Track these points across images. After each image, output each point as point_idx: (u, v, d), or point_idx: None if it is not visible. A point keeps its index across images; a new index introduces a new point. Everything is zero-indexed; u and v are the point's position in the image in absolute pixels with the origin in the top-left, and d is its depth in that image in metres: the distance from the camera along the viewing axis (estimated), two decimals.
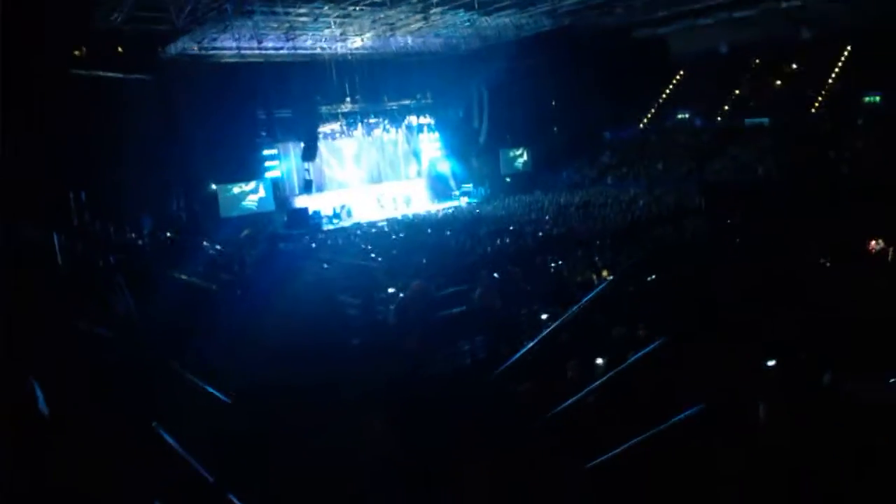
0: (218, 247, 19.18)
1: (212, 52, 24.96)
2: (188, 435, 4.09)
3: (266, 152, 29.06)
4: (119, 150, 21.43)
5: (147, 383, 5.14)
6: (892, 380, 5.69)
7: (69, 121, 19.22)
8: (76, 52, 21.63)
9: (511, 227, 21.08)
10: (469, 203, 32.00)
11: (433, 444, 4.48)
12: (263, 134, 29.01)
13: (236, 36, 23.74)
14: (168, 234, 21.14)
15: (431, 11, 22.92)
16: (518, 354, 5.53)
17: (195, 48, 24.07)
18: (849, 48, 30.84)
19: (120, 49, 22.64)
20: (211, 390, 4.65)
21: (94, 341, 6.28)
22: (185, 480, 3.75)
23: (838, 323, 7.49)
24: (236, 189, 27.89)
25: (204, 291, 7.49)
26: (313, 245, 21.51)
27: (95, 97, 21.49)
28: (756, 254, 12.07)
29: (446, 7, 23.19)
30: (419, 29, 25.85)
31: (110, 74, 22.20)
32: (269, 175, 29.08)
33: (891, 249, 12.02)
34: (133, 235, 20.37)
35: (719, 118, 33.27)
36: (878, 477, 4.05)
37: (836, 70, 30.85)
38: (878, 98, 27.90)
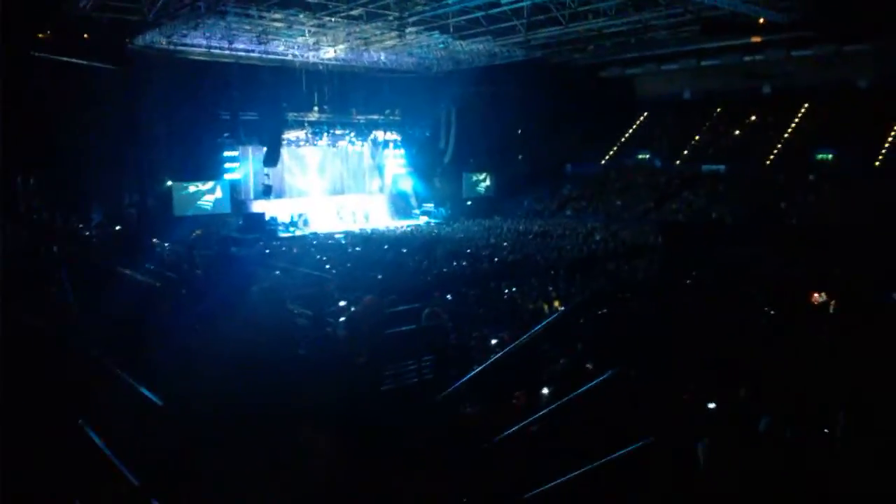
0: (167, 245, 18.77)
1: (181, 47, 24.55)
2: (117, 436, 3.93)
3: (227, 153, 28.58)
4: (75, 138, 20.86)
5: (79, 379, 4.94)
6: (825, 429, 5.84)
7: (26, 103, 18.69)
8: (40, 35, 21.08)
9: (469, 250, 21.15)
10: (428, 223, 32.02)
11: (375, 462, 4.40)
12: (226, 135, 28.54)
13: (207, 34, 23.44)
14: (117, 228, 20.60)
15: (407, 30, 23.01)
16: (465, 378, 5.49)
17: (164, 42, 23.64)
18: (806, 105, 32.06)
19: (86, 36, 22.13)
20: (144, 391, 4.49)
21: (30, 332, 6.04)
22: (108, 481, 3.59)
23: (779, 371, 7.67)
24: (192, 188, 27.32)
25: (148, 289, 7.27)
26: (267, 251, 21.20)
27: (57, 82, 20.96)
28: (705, 296, 12.31)
29: (422, 28, 23.33)
30: (393, 46, 25.92)
31: (74, 60, 21.66)
32: (227, 177, 28.58)
33: (832, 303, 12.41)
34: (81, 226, 19.80)
35: (678, 161, 34.14)
36: None
37: (793, 125, 32.01)
38: (830, 156, 29.00)
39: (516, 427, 4.96)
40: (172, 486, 3.63)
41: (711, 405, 6.62)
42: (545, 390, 6.95)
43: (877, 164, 27.58)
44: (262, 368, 5.89)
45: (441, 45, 26.37)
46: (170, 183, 26.68)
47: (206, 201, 27.63)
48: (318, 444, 4.53)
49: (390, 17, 21.69)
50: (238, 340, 6.47)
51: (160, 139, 24.51)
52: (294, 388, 5.58)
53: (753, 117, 33.75)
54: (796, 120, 32.16)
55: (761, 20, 23.77)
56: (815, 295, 12.73)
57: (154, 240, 20.75)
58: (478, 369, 5.86)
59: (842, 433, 5.82)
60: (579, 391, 5.32)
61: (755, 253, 16.22)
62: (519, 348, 7.47)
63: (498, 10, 21.59)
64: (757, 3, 20.75)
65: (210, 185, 27.80)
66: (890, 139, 28.15)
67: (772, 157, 31.08)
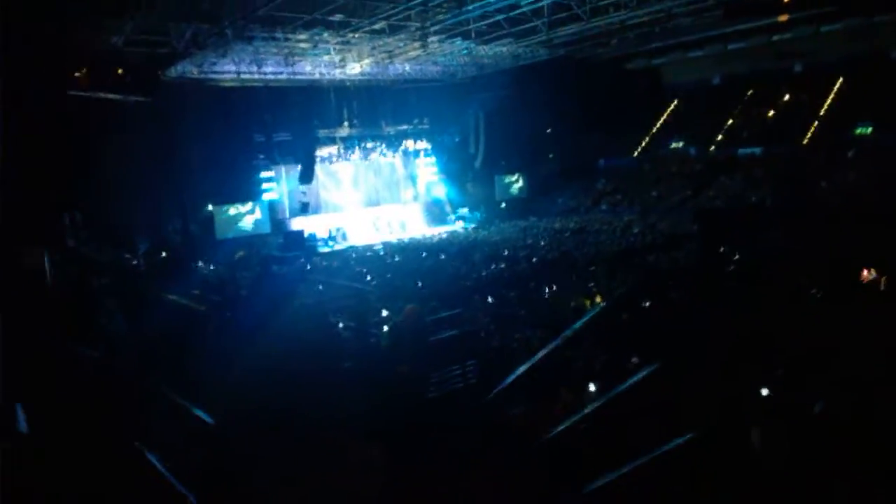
0: (212, 267, 19.16)
1: (212, 75, 25.14)
2: (172, 456, 4.05)
3: (263, 174, 29.12)
4: (116, 171, 21.47)
5: (133, 403, 5.10)
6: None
7: (67, 141, 19.31)
8: (76, 74, 21.78)
9: (506, 252, 21.12)
10: (464, 228, 32.07)
11: (426, 469, 4.44)
12: (261, 156, 29.13)
13: (236, 60, 23.96)
14: (163, 255, 21.12)
15: (430, 40, 23.14)
16: (509, 379, 5.52)
17: (195, 72, 24.24)
18: (840, 79, 31.26)
19: (120, 71, 22.79)
20: (196, 411, 4.61)
21: (82, 362, 6.24)
22: (167, 501, 3.71)
23: (831, 352, 7.50)
24: (232, 210, 27.92)
25: (195, 313, 7.47)
26: (308, 267, 21.49)
27: (94, 118, 21.61)
28: (749, 282, 12.09)
29: (444, 36, 23.44)
30: (417, 56, 26.09)
31: (110, 96, 22.33)
32: (265, 197, 29.12)
33: (883, 279, 12.07)
34: (128, 256, 20.35)
35: (712, 147, 33.56)
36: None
37: (828, 101, 31.24)
38: (869, 129, 28.20)
39: (565, 424, 4.96)
40: (228, 501, 3.73)
41: (764, 391, 6.52)
42: (591, 387, 6.92)
43: None
44: (308, 383, 6.00)
45: (464, 52, 26.45)
46: (210, 207, 27.30)
47: (247, 223, 28.21)
48: (368, 456, 4.60)
49: (412, 28, 21.86)
50: (283, 356, 6.60)
51: (198, 165, 25.11)
52: (341, 400, 5.67)
53: (787, 97, 33.00)
54: (831, 96, 31.36)
55: None
56: (865, 272, 12.41)
57: (199, 263, 21.25)
58: (522, 369, 5.88)
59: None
60: (624, 385, 5.31)
61: (797, 234, 15.87)
62: (562, 346, 7.47)
63: (518, 11, 21.57)
64: None
65: (249, 206, 28.37)
66: None
67: (808, 135, 30.35)
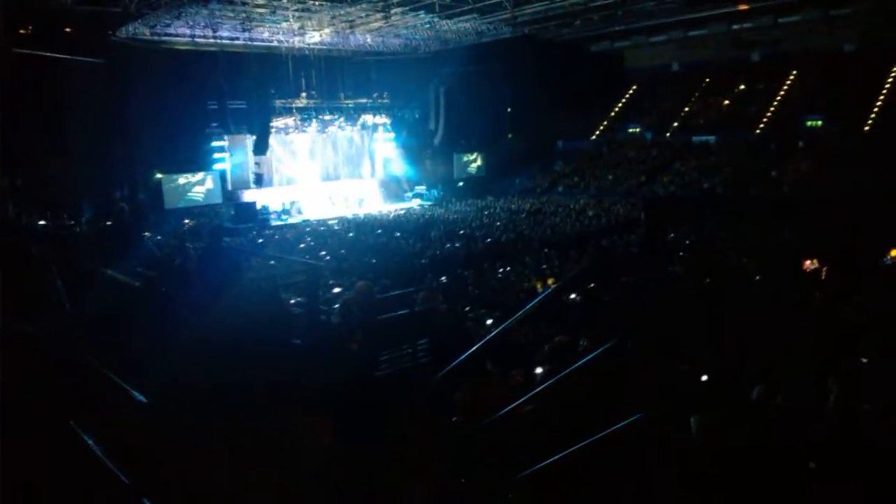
0: (159, 238, 18.70)
1: (164, 38, 24.33)
2: (106, 435, 3.94)
3: (216, 143, 28.42)
4: (61, 135, 20.71)
5: (68, 380, 4.94)
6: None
7: (11, 101, 18.50)
8: (21, 31, 20.85)
9: (462, 232, 21.14)
10: (421, 205, 31.96)
11: (372, 449, 4.42)
12: (214, 125, 28.38)
13: (190, 23, 23.23)
14: (107, 224, 20.50)
15: (392, 11, 22.84)
16: (459, 360, 5.50)
17: (147, 33, 23.44)
18: (794, 72, 31.97)
19: (68, 30, 21.89)
20: (129, 389, 4.50)
21: (17, 335, 6.02)
22: (100, 481, 3.61)
23: (771, 339, 7.71)
24: (182, 179, 27.20)
25: (138, 284, 7.26)
26: (260, 240, 21.16)
27: (39, 78, 20.73)
28: (695, 268, 12.35)
29: (407, 8, 23.15)
30: (379, 28, 25.73)
31: (57, 55, 21.43)
32: (217, 167, 28.44)
33: (824, 269, 12.45)
34: (72, 223, 19.69)
35: (668, 134, 34.07)
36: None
37: (782, 92, 31.94)
38: (819, 122, 28.96)
39: (510, 407, 4.98)
40: (163, 484, 3.65)
41: (704, 377, 6.67)
42: (539, 369, 6.97)
43: (866, 129, 27.57)
44: (255, 359, 5.90)
45: (427, 25, 26.19)
46: (159, 175, 26.56)
47: (197, 193, 27.53)
48: (312, 432, 4.55)
49: None
50: (231, 330, 6.47)
51: (147, 132, 24.33)
52: (288, 376, 5.59)
53: (742, 86, 33.65)
54: (785, 87, 32.08)
55: None
56: (807, 262, 12.78)
57: (146, 233, 20.68)
58: (471, 350, 5.87)
59: (834, 400, 5.87)
60: (572, 367, 5.35)
61: (746, 222, 16.26)
62: (514, 327, 7.50)
63: None
64: None
65: (200, 176, 27.67)
66: (878, 104, 28.11)
67: (762, 125, 31.04)
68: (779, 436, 5.07)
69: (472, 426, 4.74)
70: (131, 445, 3.96)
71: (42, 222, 17.39)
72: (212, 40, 25.43)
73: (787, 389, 6.03)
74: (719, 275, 11.27)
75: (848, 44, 29.63)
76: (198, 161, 27.67)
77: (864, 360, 6.69)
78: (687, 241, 14.92)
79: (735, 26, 31.23)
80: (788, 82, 32.09)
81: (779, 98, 31.82)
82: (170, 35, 24.23)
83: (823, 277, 12.25)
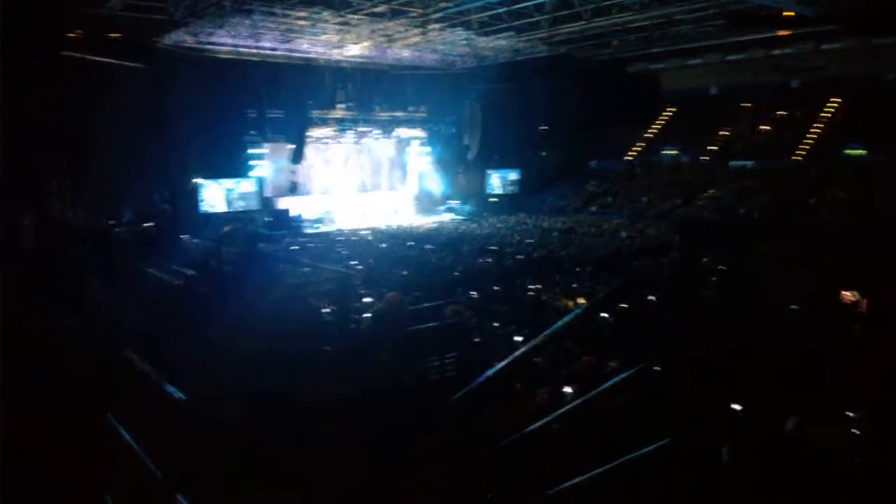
0: (195, 241, 19.01)
1: (207, 46, 24.86)
2: (143, 430, 4.02)
3: (254, 151, 28.89)
4: (105, 137, 21.21)
5: (107, 375, 5.04)
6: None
7: (56, 102, 19.03)
8: (70, 35, 21.45)
9: (493, 247, 21.10)
10: (453, 219, 32.02)
11: (391, 460, 4.43)
12: (253, 132, 28.85)
13: (233, 33, 23.70)
14: (147, 225, 20.91)
15: (430, 27, 23.04)
16: (485, 375, 5.51)
17: (191, 41, 23.96)
18: (835, 99, 31.46)
19: (115, 35, 22.47)
20: (168, 387, 4.58)
21: (59, 330, 6.17)
22: (135, 474, 3.68)
23: (807, 370, 7.55)
24: (221, 185, 27.68)
25: (174, 286, 7.41)
26: (294, 248, 21.38)
27: (86, 81, 21.30)
28: (729, 294, 12.17)
29: (445, 24, 23.32)
30: (416, 43, 25.95)
31: (103, 59, 22.01)
32: (254, 174, 28.90)
33: (864, 301, 12.16)
34: (112, 223, 20.11)
35: (705, 157, 33.70)
36: None
37: (822, 120, 31.43)
38: (861, 151, 28.44)
39: (537, 424, 4.97)
40: (195, 480, 3.70)
41: (736, 406, 6.55)
42: (567, 388, 6.93)
43: None
44: (286, 364, 5.97)
45: (464, 42, 26.34)
46: (199, 180, 27.06)
47: (235, 198, 27.97)
48: (337, 441, 4.58)
49: (413, 14, 21.72)
50: (264, 334, 6.55)
51: (188, 137, 24.80)
52: (316, 384, 5.64)
53: (782, 112, 33.17)
54: (825, 114, 31.56)
55: (787, 13, 23.36)
56: (846, 293, 12.49)
57: (183, 236, 21.06)
58: (498, 366, 5.88)
59: (868, 434, 5.73)
60: (601, 388, 5.32)
61: (783, 249, 15.98)
62: (541, 345, 7.48)
63: (521, 5, 21.51)
64: None
65: (238, 182, 28.13)
66: None
67: (800, 152, 30.56)
68: (811, 470, 4.97)
69: (499, 443, 4.74)
70: (167, 441, 4.03)
71: (85, 221, 17.81)
72: (253, 50, 25.91)
73: (821, 423, 5.90)
74: (753, 302, 11.08)
75: (891, 72, 29.05)
76: (236, 167, 28.14)
77: None
78: (721, 267, 14.70)
79: (775, 51, 30.82)
80: (829, 109, 31.57)
81: (818, 124, 31.31)
82: (212, 43, 24.75)
83: (862, 310, 11.97)
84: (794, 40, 28.79)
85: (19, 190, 16.31)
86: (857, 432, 5.84)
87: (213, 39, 24.26)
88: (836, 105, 31.41)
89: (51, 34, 19.77)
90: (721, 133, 34.54)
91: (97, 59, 21.77)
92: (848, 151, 28.84)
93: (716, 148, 33.88)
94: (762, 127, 33.38)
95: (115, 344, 5.81)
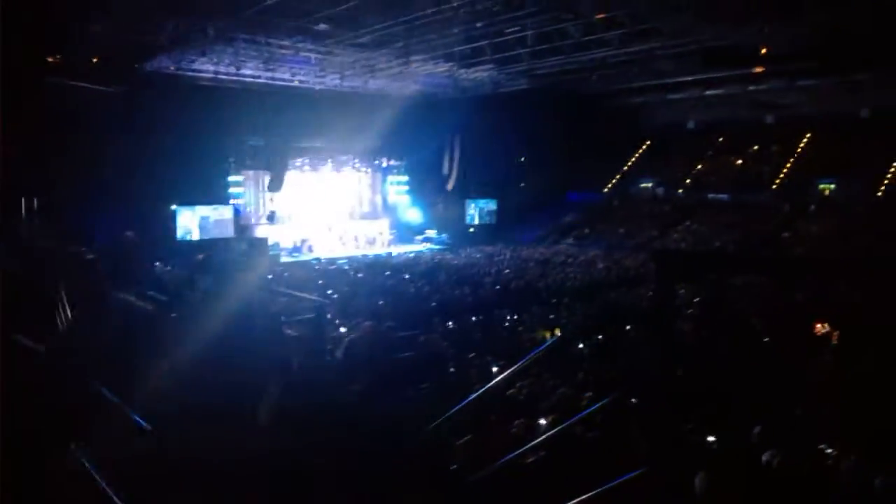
0: (169, 268, 18.78)
1: (188, 73, 24.84)
2: (106, 459, 3.90)
3: (232, 178, 28.79)
4: (78, 161, 21.01)
5: (73, 402, 4.92)
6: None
7: (32, 126, 18.83)
8: (50, 59, 21.33)
9: (470, 278, 21.10)
10: (431, 249, 32.01)
11: (366, 490, 4.35)
12: (231, 160, 28.78)
13: (215, 60, 23.72)
14: (120, 251, 20.60)
15: (412, 58, 23.27)
16: (459, 406, 5.45)
17: (172, 67, 23.94)
18: (808, 135, 32.20)
19: (95, 60, 22.38)
20: (132, 415, 4.47)
21: (25, 355, 6.03)
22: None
23: (780, 402, 7.59)
24: (197, 212, 27.46)
25: (145, 312, 7.29)
26: (270, 276, 21.19)
27: (62, 105, 21.13)
28: (704, 325, 12.25)
29: (427, 56, 23.57)
30: (398, 73, 26.18)
31: (81, 84, 21.88)
32: (232, 202, 28.75)
33: (835, 333, 12.30)
34: (84, 249, 19.77)
35: (681, 190, 34.21)
36: None
37: (795, 154, 32.13)
38: (832, 185, 29.09)
39: (510, 456, 4.90)
40: None
41: (711, 438, 6.55)
42: (542, 420, 6.89)
43: (879, 194, 27.61)
44: (257, 392, 5.86)
45: (445, 74, 26.62)
46: (174, 207, 26.83)
47: (210, 226, 27.72)
48: (305, 471, 4.49)
49: (396, 45, 21.93)
50: (234, 362, 6.44)
51: (165, 163, 24.61)
52: (287, 415, 5.54)
53: (756, 147, 33.87)
54: (799, 149, 32.27)
55: (764, 50, 23.99)
56: (818, 325, 12.64)
57: (157, 263, 20.79)
58: (473, 397, 5.81)
59: (844, 467, 5.74)
60: (575, 418, 5.28)
61: (756, 282, 16.17)
62: (516, 376, 7.43)
63: (503, 38, 21.82)
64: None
65: (214, 209, 27.93)
66: (892, 170, 28.19)
67: (775, 186, 31.15)
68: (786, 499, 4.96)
69: (471, 475, 4.67)
70: (132, 472, 3.92)
71: (55, 246, 17.48)
72: (234, 77, 25.92)
73: (797, 455, 5.91)
74: (728, 334, 11.16)
75: (864, 109, 29.80)
76: (213, 194, 27.97)
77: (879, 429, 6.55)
78: (695, 299, 14.83)
79: (752, 87, 31.52)
80: (802, 145, 32.30)
81: (792, 160, 31.98)
82: (193, 70, 24.73)
83: (834, 342, 12.11)
84: (771, 77, 29.49)
85: None
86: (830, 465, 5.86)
87: (195, 66, 24.26)
88: (808, 140, 32.17)
89: (32, 59, 19.65)
90: (697, 167, 35.15)
91: (77, 83, 21.64)
92: (821, 186, 29.49)
93: (691, 181, 34.44)
94: (737, 161, 34.04)
95: (85, 371, 5.67)
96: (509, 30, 20.74)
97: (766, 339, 11.02)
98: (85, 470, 3.89)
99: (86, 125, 21.08)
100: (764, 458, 5.73)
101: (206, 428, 4.70)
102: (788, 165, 31.84)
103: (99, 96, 22.14)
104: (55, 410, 4.88)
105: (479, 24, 19.82)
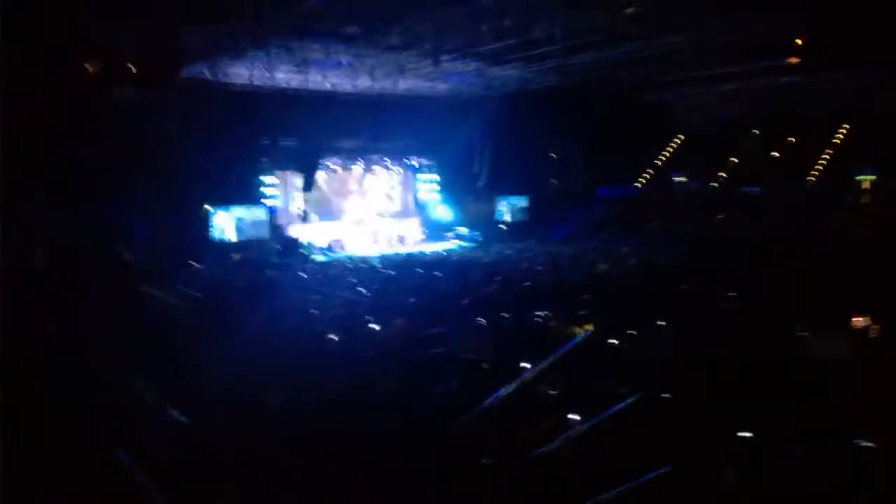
0: (204, 269, 19.14)
1: (222, 78, 25.28)
2: (145, 455, 4.05)
3: (265, 179, 29.22)
4: (116, 165, 21.53)
5: (114, 399, 5.09)
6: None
7: (71, 129, 19.41)
8: (88, 67, 21.89)
9: (501, 275, 21.09)
10: (462, 246, 32.08)
11: (394, 487, 4.44)
12: (265, 161, 29.22)
13: (249, 66, 24.12)
14: (157, 252, 21.12)
15: (442, 58, 23.34)
16: (488, 401, 5.53)
17: (207, 73, 24.40)
18: (845, 126, 31.52)
19: (131, 67, 22.92)
20: (171, 411, 4.62)
21: (69, 352, 6.24)
22: (136, 501, 3.70)
23: (816, 396, 7.51)
24: (232, 213, 27.92)
25: (183, 311, 7.49)
26: (304, 275, 21.48)
27: (100, 110, 21.69)
28: (740, 318, 12.13)
29: (457, 55, 23.63)
30: (428, 73, 26.27)
31: (118, 90, 22.42)
32: (266, 202, 29.18)
33: (874, 327, 12.06)
34: (122, 248, 20.31)
35: (715, 184, 33.77)
36: None
37: (832, 146, 31.49)
38: (870, 176, 28.46)
39: (540, 451, 4.96)
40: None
41: (745, 434, 6.50)
42: (574, 416, 6.92)
43: None
44: (292, 389, 6.00)
45: (475, 72, 26.64)
46: (209, 207, 27.32)
47: (245, 226, 28.17)
48: (342, 469, 4.59)
49: (427, 46, 22.03)
50: (271, 360, 6.60)
51: (200, 165, 25.08)
52: (322, 411, 5.67)
53: (791, 139, 33.25)
54: (835, 141, 31.63)
55: (798, 41, 23.53)
56: (856, 319, 12.40)
57: (194, 264, 21.25)
58: (504, 392, 5.88)
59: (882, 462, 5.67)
60: (604, 414, 5.31)
61: (793, 274, 15.93)
62: (547, 371, 7.48)
63: (531, 37, 21.75)
64: None
65: (249, 209, 28.38)
66: None
67: (810, 178, 30.58)
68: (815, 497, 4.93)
69: (502, 468, 4.73)
70: (171, 466, 4.05)
71: (95, 247, 17.99)
72: (267, 81, 26.30)
73: (832, 452, 5.85)
74: (761, 329, 11.03)
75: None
76: (247, 195, 28.41)
77: None
78: (730, 293, 14.66)
79: (784, 79, 30.93)
80: (839, 137, 31.64)
81: (829, 151, 31.35)
82: (228, 75, 25.17)
83: (874, 336, 11.87)
84: (805, 68, 28.85)
85: (29, 212, 16.65)
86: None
87: (230, 71, 24.70)
88: (845, 132, 31.50)
89: (67, 65, 20.21)
90: (731, 160, 34.66)
91: (112, 90, 22.18)
92: (858, 177, 28.88)
93: (725, 174, 33.98)
94: (773, 154, 33.47)
95: (124, 368, 5.87)
96: (538, 26, 20.67)
97: (803, 333, 10.87)
98: (122, 464, 4.03)
99: (124, 128, 21.59)
100: (797, 454, 5.70)
101: (244, 420, 4.83)
102: (825, 157, 31.22)
103: (139, 102, 22.66)
104: (100, 407, 5.05)
105: (506, 22, 19.81)
